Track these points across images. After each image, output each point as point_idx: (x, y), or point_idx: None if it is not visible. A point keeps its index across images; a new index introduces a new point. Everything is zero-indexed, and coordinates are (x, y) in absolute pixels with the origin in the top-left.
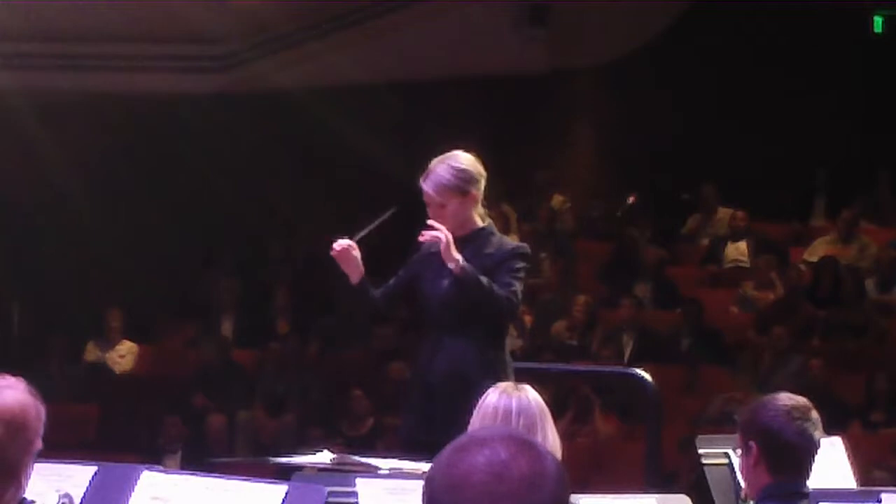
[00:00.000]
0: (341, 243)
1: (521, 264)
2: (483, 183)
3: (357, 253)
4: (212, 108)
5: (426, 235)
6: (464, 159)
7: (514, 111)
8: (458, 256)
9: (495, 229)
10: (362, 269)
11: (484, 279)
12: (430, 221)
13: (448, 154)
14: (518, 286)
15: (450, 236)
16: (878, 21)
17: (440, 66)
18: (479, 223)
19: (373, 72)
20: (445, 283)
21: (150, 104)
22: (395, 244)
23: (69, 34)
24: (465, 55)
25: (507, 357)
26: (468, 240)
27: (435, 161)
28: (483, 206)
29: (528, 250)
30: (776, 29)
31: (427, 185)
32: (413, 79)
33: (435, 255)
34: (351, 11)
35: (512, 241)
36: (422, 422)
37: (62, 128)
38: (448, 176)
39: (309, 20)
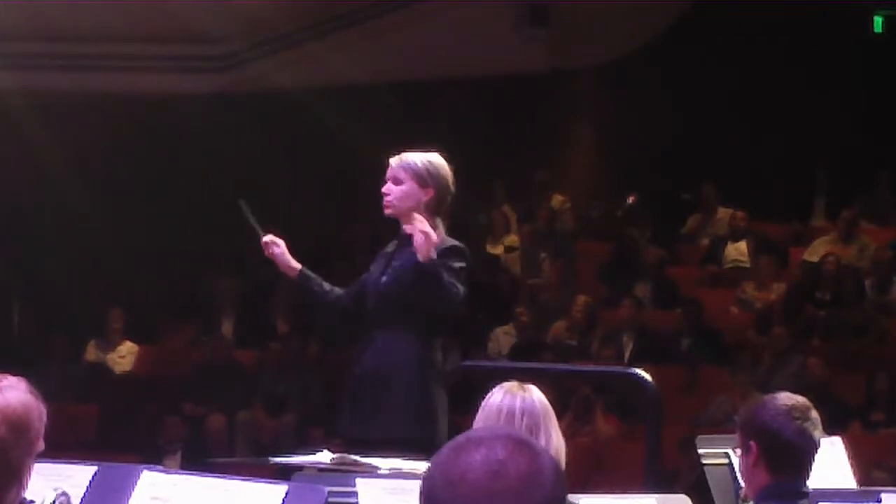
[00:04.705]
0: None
1: (460, 263)
2: (447, 193)
3: (278, 248)
4: (212, 108)
5: (409, 228)
6: (438, 159)
7: (514, 111)
8: (433, 255)
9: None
10: (293, 262)
11: (445, 277)
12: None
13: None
14: (459, 285)
15: (433, 235)
16: (878, 21)
17: (440, 66)
18: None
19: (373, 72)
20: (384, 278)
21: (150, 104)
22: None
23: (69, 34)
24: (465, 55)
25: (439, 357)
26: (409, 239)
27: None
28: (441, 219)
29: (466, 249)
30: (776, 29)
31: (393, 161)
32: (413, 79)
33: (382, 256)
34: (351, 11)
35: (450, 239)
36: (351, 418)
37: (62, 128)
38: (417, 161)
39: (309, 20)
